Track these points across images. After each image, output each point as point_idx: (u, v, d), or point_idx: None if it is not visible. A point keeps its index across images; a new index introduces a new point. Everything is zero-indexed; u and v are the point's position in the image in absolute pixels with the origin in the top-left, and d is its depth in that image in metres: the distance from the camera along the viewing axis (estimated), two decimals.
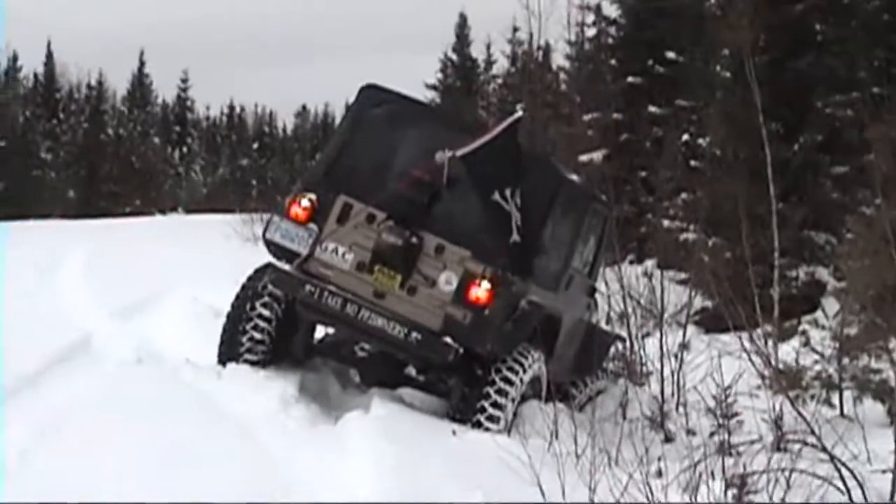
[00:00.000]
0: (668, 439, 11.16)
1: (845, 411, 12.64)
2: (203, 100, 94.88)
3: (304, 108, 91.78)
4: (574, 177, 11.44)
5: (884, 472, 9.28)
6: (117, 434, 7.32)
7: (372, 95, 10.34)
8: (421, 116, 10.48)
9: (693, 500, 7.00)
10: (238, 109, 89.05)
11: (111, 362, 10.01)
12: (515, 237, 9.48)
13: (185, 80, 78.30)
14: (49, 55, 66.37)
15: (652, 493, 6.85)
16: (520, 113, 9.82)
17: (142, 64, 73.50)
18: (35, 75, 66.62)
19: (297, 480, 7.30)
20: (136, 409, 8.06)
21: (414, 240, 9.54)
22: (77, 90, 69.21)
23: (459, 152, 9.34)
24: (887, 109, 19.22)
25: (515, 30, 41.42)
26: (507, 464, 7.70)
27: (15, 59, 62.98)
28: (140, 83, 73.47)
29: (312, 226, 9.74)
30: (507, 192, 9.44)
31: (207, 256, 21.25)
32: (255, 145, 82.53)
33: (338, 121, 79.55)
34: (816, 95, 22.68)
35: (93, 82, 68.97)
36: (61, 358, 9.87)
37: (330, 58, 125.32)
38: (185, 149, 77.30)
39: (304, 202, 9.79)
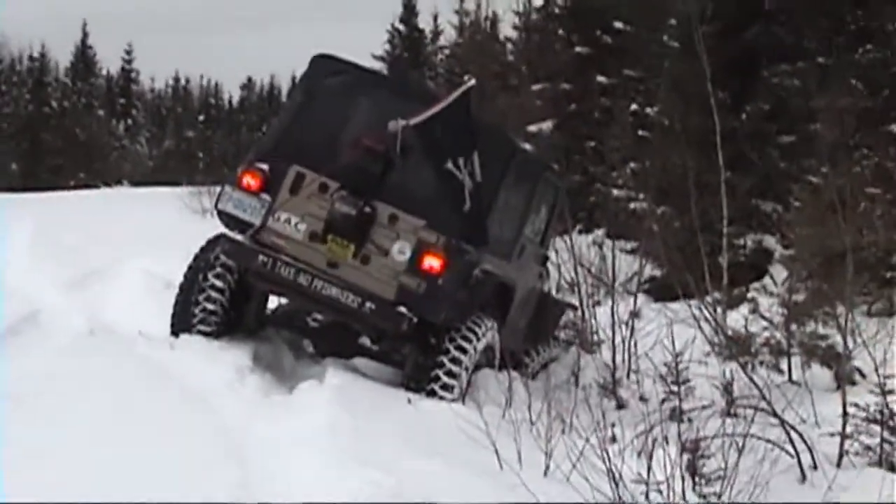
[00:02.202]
0: (621, 406, 11.28)
1: (794, 377, 12.81)
2: (148, 71, 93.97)
3: (249, 80, 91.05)
4: (526, 146, 11.48)
5: (832, 435, 9.45)
6: (73, 407, 7.27)
7: (324, 65, 10.31)
8: (373, 85, 10.46)
9: (648, 464, 7.07)
10: (183, 81, 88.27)
11: (63, 335, 9.91)
12: (469, 206, 9.49)
13: (129, 52, 77.28)
14: None
15: (609, 458, 6.91)
16: (472, 82, 9.77)
17: (85, 35, 72.48)
18: None
19: (253, 449, 7.29)
20: (91, 382, 8.02)
21: (367, 209, 9.54)
22: (19, 62, 68.37)
23: (413, 121, 9.34)
24: (833, 79, 19.40)
25: (462, 0, 41.31)
26: (464, 431, 7.75)
27: None
28: (83, 54, 72.44)
29: (265, 196, 9.72)
30: (461, 161, 9.44)
31: (156, 228, 21.13)
32: (201, 117, 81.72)
33: (284, 92, 79.00)
34: (763, 65, 22.81)
35: (35, 53, 68.16)
36: (11, 331, 9.75)
37: (275, 27, 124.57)
38: (130, 121, 76.44)
39: (257, 172, 9.76)
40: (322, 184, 9.68)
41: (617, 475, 6.96)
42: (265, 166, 9.78)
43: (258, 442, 7.50)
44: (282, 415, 8.21)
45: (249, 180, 9.75)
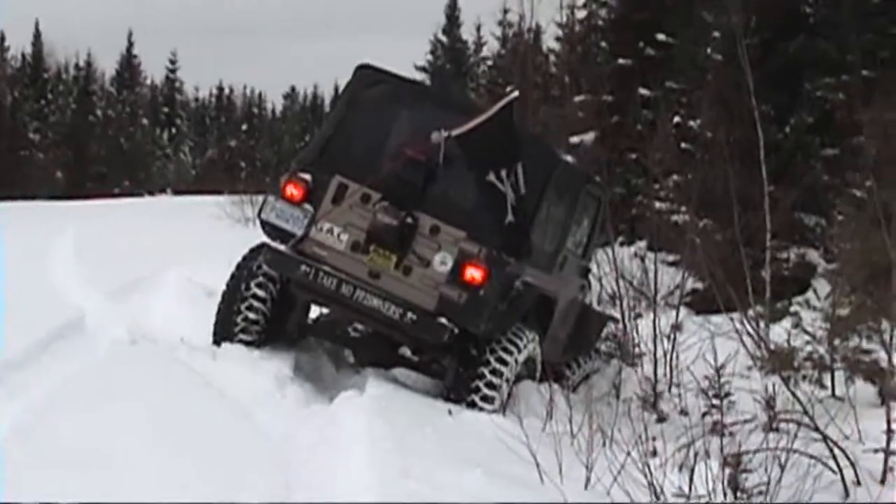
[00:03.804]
0: (662, 419, 11.21)
1: (837, 392, 12.70)
2: (192, 81, 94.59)
3: (292, 89, 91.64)
4: (568, 158, 11.46)
5: (875, 451, 9.36)
6: (116, 413, 7.33)
7: (367, 76, 10.33)
8: (416, 97, 10.50)
9: (690, 478, 7.03)
10: (227, 90, 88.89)
11: (106, 341, 9.99)
12: (510, 218, 9.48)
13: (173, 62, 78.07)
14: (37, 35, 66.16)
15: (650, 472, 6.88)
16: (515, 94, 9.77)
17: (130, 45, 73.38)
18: (23, 55, 66.42)
19: (294, 459, 7.32)
20: (133, 388, 8.08)
21: (409, 220, 9.56)
22: (65, 70, 69.18)
23: (455, 132, 9.36)
24: (878, 92, 19.28)
25: (506, 11, 41.37)
26: (504, 443, 7.73)
27: (2, 38, 62.71)
28: (129, 64, 73.29)
29: (307, 206, 9.76)
30: (503, 173, 9.43)
31: (199, 237, 21.22)
32: (244, 127, 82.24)
33: (327, 103, 79.42)
34: (807, 78, 22.71)
35: (81, 63, 69.03)
36: (56, 336, 9.84)
37: (318, 38, 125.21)
38: (173, 130, 77.11)
39: (300, 182, 9.79)
40: (364, 194, 9.70)
41: (658, 489, 6.93)
42: (308, 177, 9.81)
43: (299, 452, 7.53)
44: (322, 425, 8.24)
45: (292, 190, 9.79)
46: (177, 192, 54.94)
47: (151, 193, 54.85)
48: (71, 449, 6.46)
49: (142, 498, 5.95)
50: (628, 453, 7.29)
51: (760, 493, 7.43)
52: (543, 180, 10.03)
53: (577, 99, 30.52)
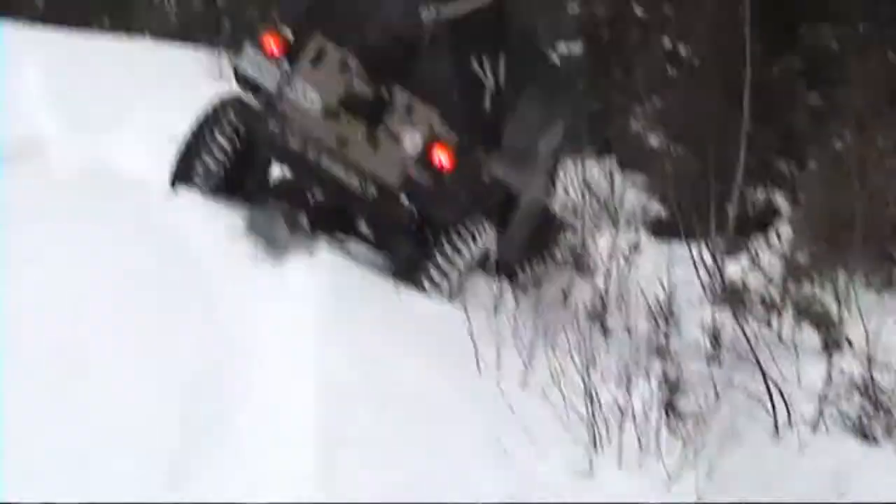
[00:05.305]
0: (607, 333, 11.17)
1: (783, 335, 12.71)
2: None
3: None
4: (555, 61, 11.26)
5: (813, 400, 9.37)
6: (65, 250, 7.13)
7: None
8: None
9: (627, 392, 7.00)
10: None
11: (64, 172, 9.75)
12: (487, 108, 9.33)
13: None
14: None
15: (589, 378, 6.84)
16: None
17: None
18: None
19: (237, 320, 7.17)
20: (79, 224, 7.87)
21: (385, 93, 9.35)
22: None
23: (445, 12, 9.15)
24: (872, 49, 19.10)
25: None
26: (449, 332, 7.66)
27: None
28: None
29: (285, 62, 9.51)
30: (486, 63, 9.28)
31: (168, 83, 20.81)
32: None
33: None
34: (804, 22, 22.48)
35: None
36: (12, 159, 9.62)
37: None
38: None
39: (280, 36, 9.54)
40: (343, 60, 9.46)
41: (594, 396, 6.89)
42: (289, 32, 9.54)
43: (243, 314, 7.37)
44: (270, 285, 8.09)
45: (271, 43, 9.53)
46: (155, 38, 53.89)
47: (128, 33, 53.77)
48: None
49: (69, 345, 5.80)
50: (571, 356, 7.26)
51: (694, 419, 7.43)
52: (526, 77, 9.85)
53: (570, 3, 30.12)
